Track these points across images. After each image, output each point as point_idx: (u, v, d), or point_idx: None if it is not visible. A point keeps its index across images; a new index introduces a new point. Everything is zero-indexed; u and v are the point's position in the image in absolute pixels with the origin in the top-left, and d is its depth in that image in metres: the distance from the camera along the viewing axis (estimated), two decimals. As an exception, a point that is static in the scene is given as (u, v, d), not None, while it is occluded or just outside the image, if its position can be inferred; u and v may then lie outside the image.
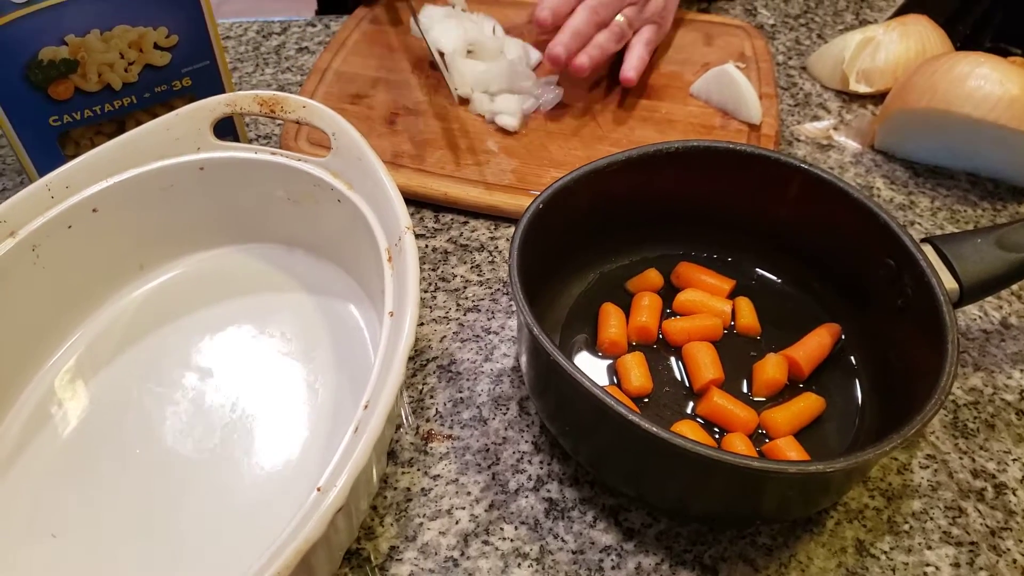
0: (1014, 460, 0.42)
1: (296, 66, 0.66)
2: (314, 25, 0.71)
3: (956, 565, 0.37)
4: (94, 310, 0.45)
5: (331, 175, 0.43)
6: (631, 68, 0.60)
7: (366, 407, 0.32)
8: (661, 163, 0.45)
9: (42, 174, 0.42)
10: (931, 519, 0.39)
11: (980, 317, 0.49)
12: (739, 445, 0.39)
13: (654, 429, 0.32)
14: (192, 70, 0.50)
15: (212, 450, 0.39)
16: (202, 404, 0.41)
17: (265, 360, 0.43)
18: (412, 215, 0.54)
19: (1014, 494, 0.40)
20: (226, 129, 0.55)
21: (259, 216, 0.47)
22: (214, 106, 0.44)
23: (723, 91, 0.61)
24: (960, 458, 0.42)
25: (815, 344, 0.44)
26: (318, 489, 0.28)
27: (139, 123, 0.51)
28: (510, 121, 0.58)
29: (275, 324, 0.45)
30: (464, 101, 0.61)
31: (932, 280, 0.38)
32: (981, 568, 0.37)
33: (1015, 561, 0.37)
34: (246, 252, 0.48)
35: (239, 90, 0.63)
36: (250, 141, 0.59)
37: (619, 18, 0.61)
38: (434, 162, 0.56)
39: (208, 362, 0.43)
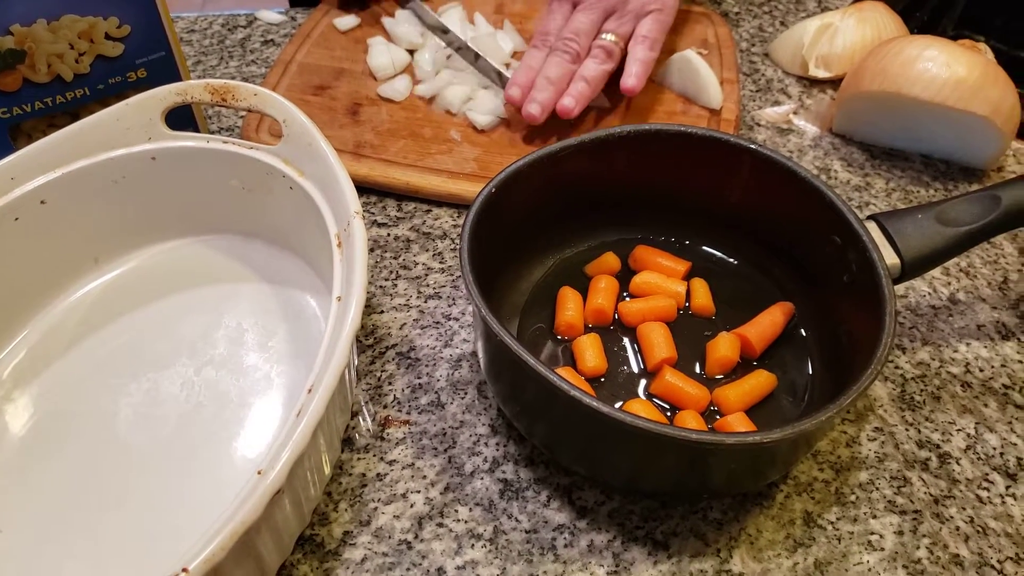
0: (958, 431, 0.42)
1: (261, 59, 0.66)
2: (282, 16, 0.71)
3: (900, 533, 0.38)
4: (47, 303, 0.44)
5: (283, 162, 0.43)
6: (631, 76, 0.56)
7: (309, 391, 0.32)
8: (614, 147, 0.46)
9: (-8, 167, 0.42)
10: (877, 489, 0.40)
11: (929, 294, 0.50)
12: (691, 422, 0.40)
13: (597, 405, 0.32)
14: (147, 61, 0.50)
15: (166, 440, 0.39)
16: (157, 395, 0.41)
17: (222, 350, 0.43)
18: (375, 204, 0.54)
19: (957, 463, 0.41)
20: (186, 122, 0.54)
21: (215, 207, 0.47)
22: (164, 95, 0.44)
23: (684, 77, 0.61)
24: (906, 430, 0.42)
25: (768, 322, 0.44)
26: (259, 472, 0.29)
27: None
28: (482, 119, 0.58)
29: (232, 314, 0.45)
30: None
31: (874, 255, 0.39)
32: (924, 535, 0.38)
33: (958, 528, 0.38)
34: (203, 244, 0.48)
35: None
36: (211, 134, 0.58)
37: (605, 37, 0.57)
38: (396, 151, 0.56)
39: (164, 354, 0.43)
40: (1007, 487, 0.40)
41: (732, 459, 0.35)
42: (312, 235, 0.43)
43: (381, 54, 0.62)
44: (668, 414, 0.41)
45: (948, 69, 0.52)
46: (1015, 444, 0.42)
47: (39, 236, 0.42)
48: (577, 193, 0.47)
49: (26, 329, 0.43)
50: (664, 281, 0.47)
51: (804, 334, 0.45)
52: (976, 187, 0.56)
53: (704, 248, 0.49)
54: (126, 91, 0.51)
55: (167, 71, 0.51)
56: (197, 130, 0.55)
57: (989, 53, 0.58)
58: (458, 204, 0.54)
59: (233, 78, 0.64)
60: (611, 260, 0.48)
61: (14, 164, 0.41)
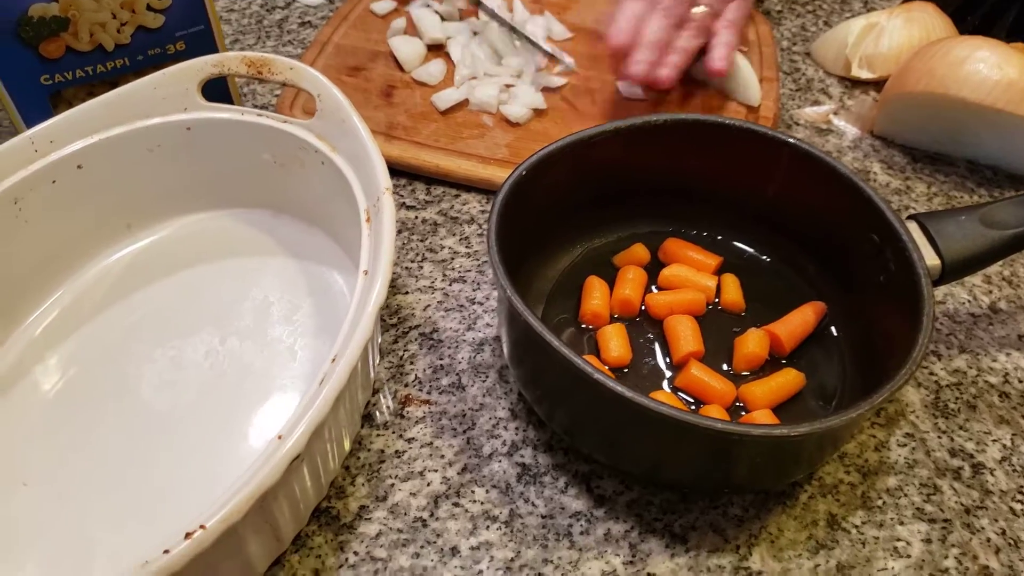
0: (994, 441, 0.41)
1: (298, 39, 0.67)
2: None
3: (928, 541, 0.37)
4: (81, 266, 0.45)
5: (316, 137, 0.43)
6: (719, 59, 0.56)
7: (333, 361, 0.32)
8: (650, 136, 0.45)
9: (33, 132, 0.42)
10: (905, 495, 0.39)
11: (969, 301, 0.48)
12: (715, 415, 0.39)
13: (621, 389, 0.31)
14: (186, 34, 0.51)
15: (188, 406, 0.40)
16: (180, 362, 0.41)
17: (247, 322, 0.43)
18: (404, 187, 0.54)
19: (991, 474, 0.40)
20: (222, 94, 0.55)
21: (246, 180, 0.47)
22: (201, 66, 0.44)
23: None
24: (939, 437, 0.41)
25: (798, 321, 0.43)
26: (279, 436, 0.28)
27: (132, 86, 0.52)
28: (516, 112, 0.57)
29: (258, 287, 0.45)
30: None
31: (913, 255, 0.38)
32: (953, 545, 0.37)
33: (989, 540, 0.37)
34: (234, 217, 0.48)
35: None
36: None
37: (699, 8, 0.56)
38: (428, 134, 0.56)
39: (190, 322, 0.43)
40: (1043, 501, 0.39)
41: (756, 452, 0.34)
42: (342, 211, 0.43)
43: (404, 44, 0.62)
44: (692, 408, 0.40)
45: (999, 71, 0.51)
46: (1053, 458, 0.40)
47: (75, 200, 0.43)
48: (609, 181, 0.47)
49: (60, 290, 0.44)
50: (694, 275, 0.46)
51: (836, 334, 0.44)
52: None
53: (736, 244, 0.48)
54: (165, 63, 0.51)
55: (206, 45, 0.52)
56: (232, 102, 0.56)
57: (1042, 56, 0.56)
58: (487, 190, 0.54)
59: (270, 57, 0.65)
60: (640, 251, 0.47)
61: (53, 128, 0.42)
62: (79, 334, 0.43)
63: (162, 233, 0.47)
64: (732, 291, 0.45)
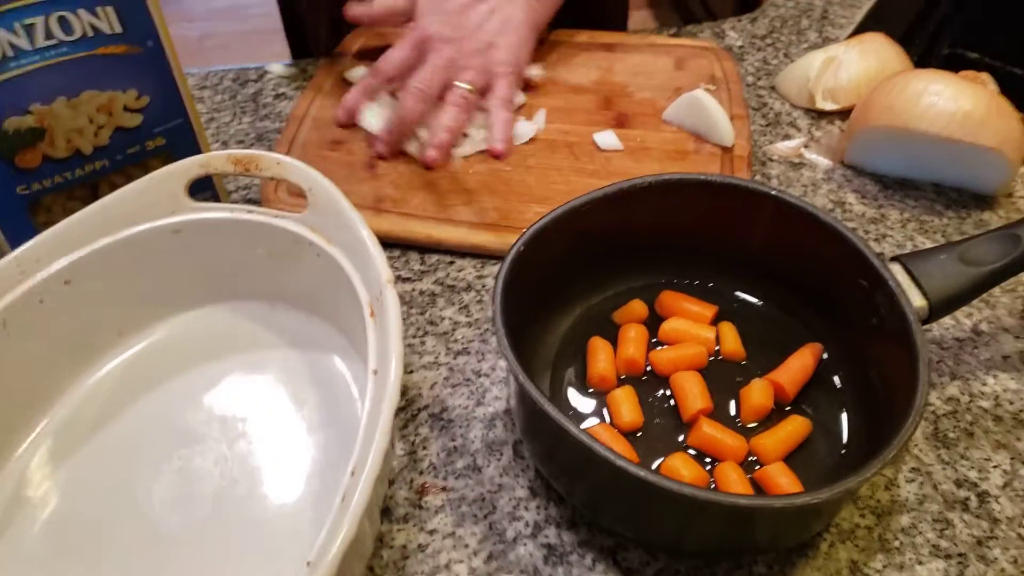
0: (994, 467, 0.43)
1: (274, 113, 0.67)
2: (292, 68, 0.71)
3: (948, 579, 0.38)
4: (72, 381, 0.44)
5: (309, 230, 0.43)
6: (497, 140, 0.58)
7: (352, 474, 0.32)
8: (637, 197, 0.46)
9: (12, 243, 0.42)
10: (920, 533, 0.40)
11: (953, 325, 0.50)
12: (731, 474, 0.40)
13: (644, 474, 0.32)
14: (165, 129, 0.50)
15: (202, 522, 0.39)
16: (189, 474, 0.41)
17: (253, 422, 0.43)
18: (398, 258, 0.54)
19: (996, 501, 0.41)
20: (204, 185, 0.54)
21: (239, 274, 0.47)
22: (188, 168, 0.44)
23: (695, 116, 0.62)
24: (943, 468, 0.42)
25: (798, 366, 0.44)
26: (308, 563, 0.28)
27: (113, 185, 0.51)
28: (467, 151, 0.60)
29: (261, 383, 0.45)
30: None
31: (901, 300, 0.39)
32: (972, 580, 0.38)
33: (1003, 571, 0.38)
34: (227, 311, 0.48)
35: (216, 141, 0.64)
36: (230, 194, 0.59)
37: (462, 84, 0.59)
38: (417, 204, 0.56)
39: (193, 428, 0.43)
40: (1048, 524, 0.40)
41: (780, 519, 0.35)
42: (340, 300, 0.43)
43: (374, 119, 0.62)
44: (708, 466, 0.41)
45: (955, 103, 0.53)
46: (1052, 479, 0.42)
47: (63, 316, 0.42)
48: (601, 243, 0.47)
49: (52, 411, 0.43)
50: (693, 327, 0.47)
51: (835, 376, 0.45)
52: (988, 213, 0.57)
53: (730, 291, 0.49)
54: (145, 159, 0.51)
55: (185, 137, 0.52)
56: (215, 193, 0.55)
57: (991, 84, 0.59)
58: (481, 255, 0.54)
59: (248, 135, 0.65)
60: (638, 307, 0.48)
61: (38, 246, 0.41)
62: (77, 456, 0.41)
63: (155, 336, 0.47)
64: (731, 341, 0.46)
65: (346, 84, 0.66)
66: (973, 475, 0.42)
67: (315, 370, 0.45)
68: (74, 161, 0.48)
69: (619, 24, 0.87)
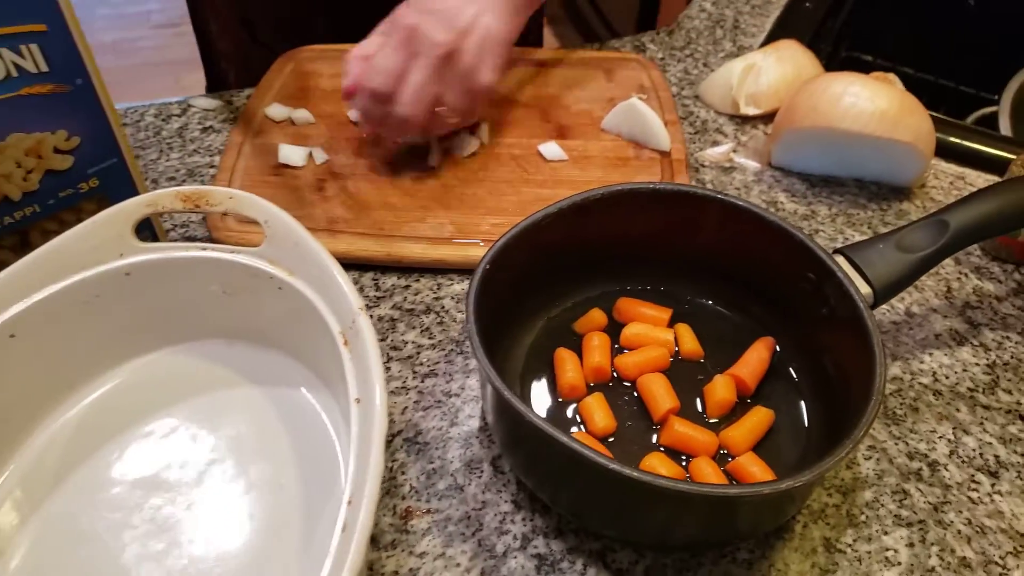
0: (940, 437, 0.46)
1: (203, 147, 0.65)
2: (217, 101, 0.69)
3: (911, 545, 0.41)
4: (25, 440, 0.41)
5: (268, 263, 0.42)
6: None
7: (350, 503, 0.31)
8: (591, 209, 0.47)
9: (-57, 300, 0.39)
10: (882, 506, 0.42)
11: (888, 310, 0.54)
12: (706, 468, 0.41)
13: (629, 471, 0.33)
14: (99, 169, 0.48)
15: (182, 571, 0.37)
16: (163, 523, 0.39)
17: (224, 464, 0.42)
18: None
19: (945, 469, 0.44)
20: (143, 225, 0.52)
21: (194, 313, 0.45)
22: (133, 209, 0.42)
23: (632, 124, 0.64)
24: (896, 444, 0.45)
25: (755, 359, 0.47)
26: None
27: (45, 232, 0.49)
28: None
29: (228, 423, 0.43)
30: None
31: (850, 289, 0.42)
32: (932, 544, 0.41)
33: (959, 532, 0.41)
34: (184, 352, 0.46)
35: (146, 179, 0.61)
36: (167, 232, 0.56)
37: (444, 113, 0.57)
38: (371, 223, 0.56)
39: (162, 475, 0.41)
40: (992, 485, 0.44)
41: (762, 505, 0.36)
42: (304, 332, 0.42)
43: (292, 153, 0.61)
44: (683, 463, 0.42)
45: (872, 103, 0.57)
46: (990, 443, 0.45)
47: (10, 370, 0.40)
48: (559, 254, 0.48)
49: (6, 471, 0.40)
50: (652, 331, 0.48)
51: (789, 366, 0.47)
52: (906, 203, 0.62)
53: (683, 293, 0.51)
54: (79, 202, 0.49)
55: (120, 177, 0.49)
56: (154, 231, 0.53)
57: (899, 83, 0.64)
58: (439, 270, 0.55)
59: (178, 171, 0.63)
60: (598, 316, 0.49)
61: (-22, 299, 0.38)
62: (39, 515, 0.39)
63: (109, 384, 0.45)
64: (689, 341, 0.48)
65: (268, 120, 0.65)
66: (923, 447, 0.45)
67: (282, 405, 0.44)
68: (2, 208, 0.45)
69: (535, 43, 0.90)
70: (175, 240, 0.56)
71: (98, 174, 0.48)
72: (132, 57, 2.30)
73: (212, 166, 0.62)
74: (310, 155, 0.61)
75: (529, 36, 0.89)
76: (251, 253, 0.43)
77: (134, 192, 0.51)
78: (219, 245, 0.43)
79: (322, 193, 0.58)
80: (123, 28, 2.40)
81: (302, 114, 0.65)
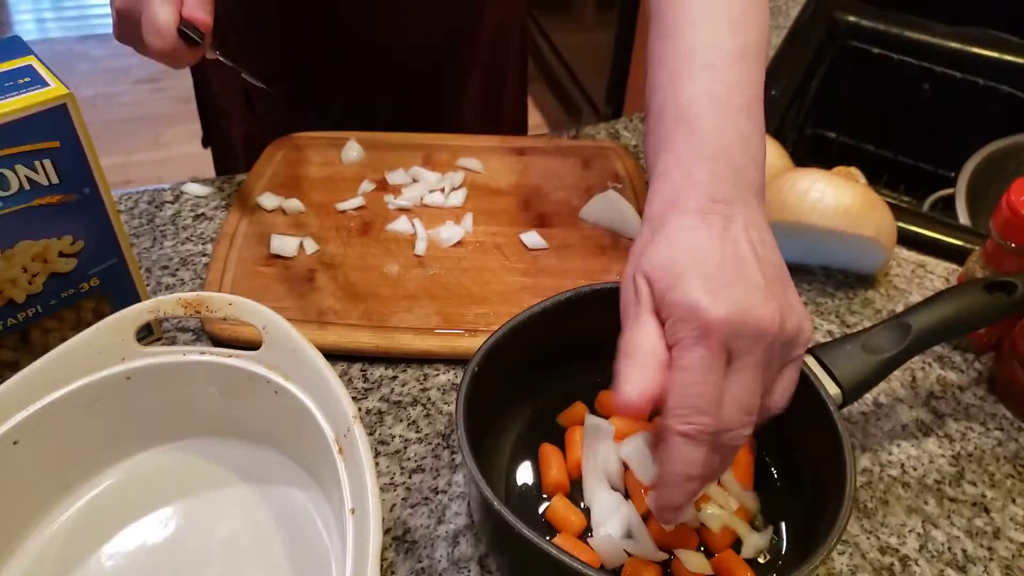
0: (909, 531, 0.48)
1: (196, 235, 0.66)
2: (208, 188, 0.71)
3: (886, 644, 0.42)
4: (21, 543, 0.42)
5: (266, 368, 0.44)
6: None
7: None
8: (576, 306, 0.50)
9: (-57, 404, 0.40)
10: (858, 603, 0.44)
11: (858, 401, 0.56)
12: (693, 559, 0.43)
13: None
14: (100, 270, 0.50)
15: None
16: (158, 630, 0.39)
17: (219, 568, 0.42)
18: (340, 376, 0.55)
19: (916, 564, 0.46)
20: (137, 319, 0.54)
21: (189, 413, 0.46)
22: (137, 314, 0.44)
23: (609, 213, 0.67)
24: (867, 538, 0.47)
25: (744, 461, 0.48)
26: None
27: (44, 330, 0.50)
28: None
29: (222, 523, 0.44)
30: None
31: (819, 389, 0.45)
32: (906, 642, 0.42)
33: (931, 628, 0.43)
34: (178, 450, 0.47)
35: (140, 268, 0.63)
36: (161, 323, 0.58)
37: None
38: (360, 315, 0.58)
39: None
40: (960, 579, 0.45)
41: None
42: (299, 435, 0.43)
43: (283, 243, 0.62)
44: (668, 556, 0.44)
45: (836, 199, 0.61)
46: (957, 537, 0.48)
47: (9, 476, 0.41)
48: (543, 351, 0.50)
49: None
50: (635, 425, 0.50)
51: (767, 462, 0.49)
52: (871, 292, 0.65)
53: (662, 386, 0.53)
54: (79, 301, 0.50)
55: (120, 276, 0.51)
56: (149, 326, 0.55)
57: (862, 178, 0.68)
58: (426, 360, 0.56)
59: (171, 259, 0.64)
60: (580, 409, 0.51)
61: (-18, 409, 0.40)
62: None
63: (104, 484, 0.45)
64: (669, 434, 0.50)
65: (259, 209, 0.67)
66: (893, 541, 0.47)
67: (277, 506, 0.45)
68: (6, 311, 0.47)
69: (521, 129, 0.94)
70: (168, 331, 0.57)
71: (99, 274, 0.50)
72: (112, 112, 2.33)
73: (205, 254, 0.64)
74: (301, 245, 0.63)
75: (516, 123, 0.93)
76: (249, 357, 0.44)
77: (132, 289, 0.52)
78: (217, 349, 0.45)
79: (312, 284, 0.60)
80: (103, 83, 2.43)
81: (293, 203, 0.67)
